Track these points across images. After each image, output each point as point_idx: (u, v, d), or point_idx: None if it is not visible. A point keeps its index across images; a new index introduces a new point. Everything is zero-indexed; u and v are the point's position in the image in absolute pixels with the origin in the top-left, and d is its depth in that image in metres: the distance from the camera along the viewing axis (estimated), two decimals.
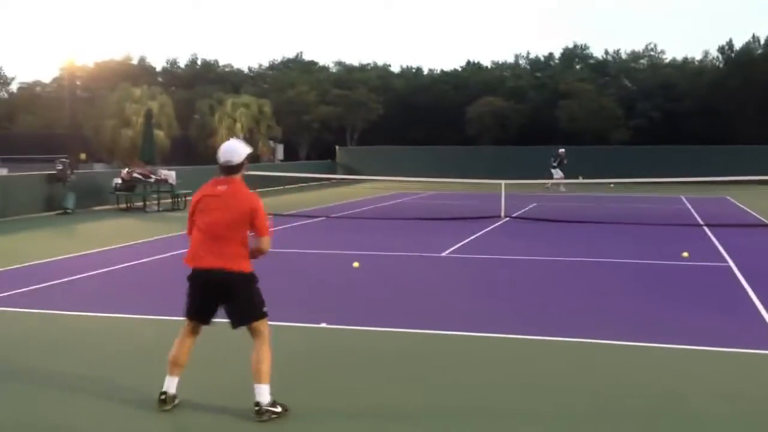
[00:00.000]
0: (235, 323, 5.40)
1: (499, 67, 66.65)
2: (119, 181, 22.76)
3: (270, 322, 8.16)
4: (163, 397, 5.39)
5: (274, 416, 5.18)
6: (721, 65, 56.65)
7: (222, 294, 5.31)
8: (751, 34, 59.84)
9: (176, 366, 5.44)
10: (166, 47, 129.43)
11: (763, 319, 8.28)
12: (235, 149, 5.38)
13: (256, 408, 5.18)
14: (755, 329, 7.91)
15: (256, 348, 5.31)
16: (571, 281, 10.99)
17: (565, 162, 33.01)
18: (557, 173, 32.47)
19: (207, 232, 5.30)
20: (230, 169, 5.36)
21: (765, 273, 11.50)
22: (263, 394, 5.19)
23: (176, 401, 5.42)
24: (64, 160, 22.25)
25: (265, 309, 5.41)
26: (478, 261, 12.98)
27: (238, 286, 5.30)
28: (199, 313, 5.43)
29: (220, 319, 5.55)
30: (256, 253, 5.43)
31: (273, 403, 5.22)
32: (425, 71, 68.31)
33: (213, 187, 5.38)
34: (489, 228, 17.58)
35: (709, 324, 8.18)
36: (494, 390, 5.98)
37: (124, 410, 5.49)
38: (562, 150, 33.65)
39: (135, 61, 69.86)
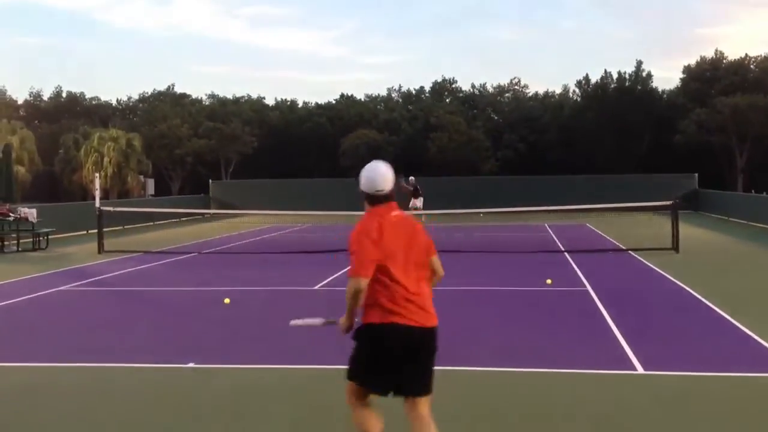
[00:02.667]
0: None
1: (372, 100, 67.78)
2: None
3: (134, 365, 7.95)
4: None
5: None
6: (579, 99, 59.81)
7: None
8: (603, 70, 63.39)
9: None
10: (28, 79, 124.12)
11: (618, 341, 8.73)
12: (386, 175, 4.66)
13: None
14: (611, 350, 8.32)
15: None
16: (440, 309, 11.20)
17: (420, 190, 32.41)
18: (413, 202, 32.48)
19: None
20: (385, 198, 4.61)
21: (618, 296, 12.14)
22: None
23: None
24: None
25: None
26: None
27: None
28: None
29: None
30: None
31: None
32: (300, 104, 68.57)
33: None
34: None
35: (569, 347, 8.53)
36: None
37: None
38: (411, 178, 32.93)
39: None
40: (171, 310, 11.47)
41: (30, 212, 22.40)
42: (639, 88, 56.27)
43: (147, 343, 9.04)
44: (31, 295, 12.84)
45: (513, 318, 10.49)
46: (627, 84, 56.31)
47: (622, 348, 8.37)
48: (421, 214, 31.36)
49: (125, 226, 29.30)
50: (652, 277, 14.44)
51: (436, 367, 4.73)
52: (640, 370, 7.48)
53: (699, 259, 17.52)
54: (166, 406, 6.52)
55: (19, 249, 21.45)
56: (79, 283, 14.43)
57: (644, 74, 56.67)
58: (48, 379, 7.50)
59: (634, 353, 8.07)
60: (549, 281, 13.35)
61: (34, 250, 21.49)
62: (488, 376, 7.32)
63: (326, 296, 12.79)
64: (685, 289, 12.71)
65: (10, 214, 21.95)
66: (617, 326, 9.52)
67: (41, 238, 22.07)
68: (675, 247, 18.48)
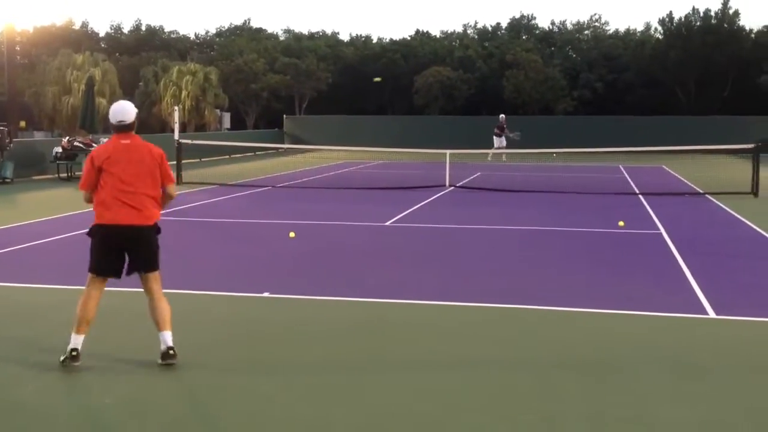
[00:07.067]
0: (141, 270, 5.80)
1: (447, 37, 66.74)
2: (59, 150, 22.34)
3: (213, 292, 8.30)
4: (74, 353, 5.62)
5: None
6: (661, 37, 57.66)
7: (131, 246, 5.73)
8: (691, 7, 60.82)
9: (86, 323, 5.71)
10: (109, 12, 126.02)
11: (690, 285, 8.65)
12: (127, 110, 5.90)
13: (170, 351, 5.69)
14: (683, 294, 8.26)
15: (156, 299, 5.79)
16: (513, 249, 11.28)
17: (506, 129, 32.99)
18: (497, 141, 32.67)
19: (121, 186, 5.67)
20: (126, 128, 5.85)
21: (693, 240, 11.94)
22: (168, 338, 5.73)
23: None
24: (2, 128, 21.71)
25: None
26: (422, 230, 13.20)
27: (147, 237, 5.75)
28: (112, 266, 5.77)
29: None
30: (167, 200, 5.97)
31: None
32: (374, 40, 68.04)
33: (117, 142, 5.81)
34: (434, 197, 17.82)
35: (640, 290, 8.48)
36: (445, 356, 6.20)
37: (53, 375, 5.57)
38: (502, 116, 33.69)
39: (77, 26, 68.05)
40: (244, 242, 11.82)
41: None
42: (725, 26, 53.85)
43: (224, 272, 9.39)
44: None
45: (583, 259, 10.46)
46: (713, 22, 53.94)
47: (695, 292, 8.30)
48: (501, 153, 31.71)
49: (202, 159, 29.99)
50: (728, 222, 14.13)
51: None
52: (712, 314, 7.43)
53: None
54: (243, 331, 6.82)
55: None
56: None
57: (731, 12, 54.17)
58: (132, 303, 7.89)
59: (706, 298, 8.00)
60: (621, 223, 13.21)
61: None
62: (556, 315, 7.38)
63: (397, 232, 12.96)
64: (762, 234, 12.42)
65: (93, 144, 22.72)
66: (690, 270, 9.41)
67: None
68: (754, 191, 17.99)
